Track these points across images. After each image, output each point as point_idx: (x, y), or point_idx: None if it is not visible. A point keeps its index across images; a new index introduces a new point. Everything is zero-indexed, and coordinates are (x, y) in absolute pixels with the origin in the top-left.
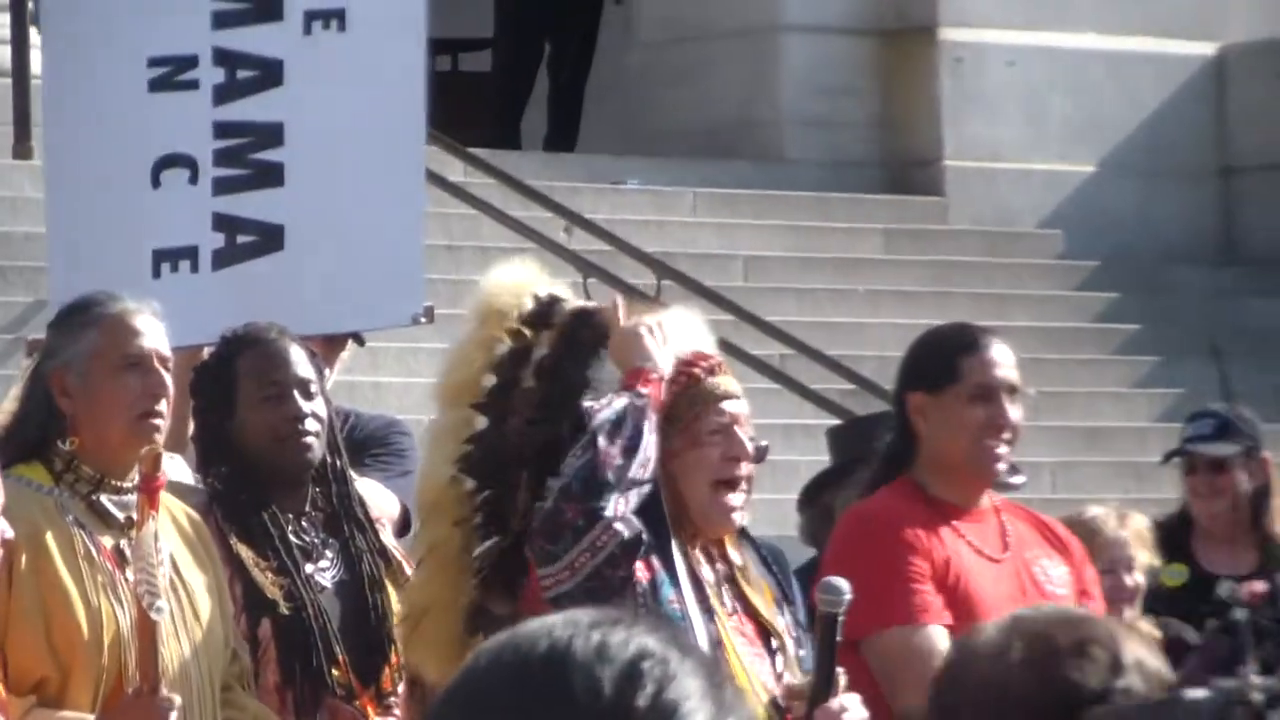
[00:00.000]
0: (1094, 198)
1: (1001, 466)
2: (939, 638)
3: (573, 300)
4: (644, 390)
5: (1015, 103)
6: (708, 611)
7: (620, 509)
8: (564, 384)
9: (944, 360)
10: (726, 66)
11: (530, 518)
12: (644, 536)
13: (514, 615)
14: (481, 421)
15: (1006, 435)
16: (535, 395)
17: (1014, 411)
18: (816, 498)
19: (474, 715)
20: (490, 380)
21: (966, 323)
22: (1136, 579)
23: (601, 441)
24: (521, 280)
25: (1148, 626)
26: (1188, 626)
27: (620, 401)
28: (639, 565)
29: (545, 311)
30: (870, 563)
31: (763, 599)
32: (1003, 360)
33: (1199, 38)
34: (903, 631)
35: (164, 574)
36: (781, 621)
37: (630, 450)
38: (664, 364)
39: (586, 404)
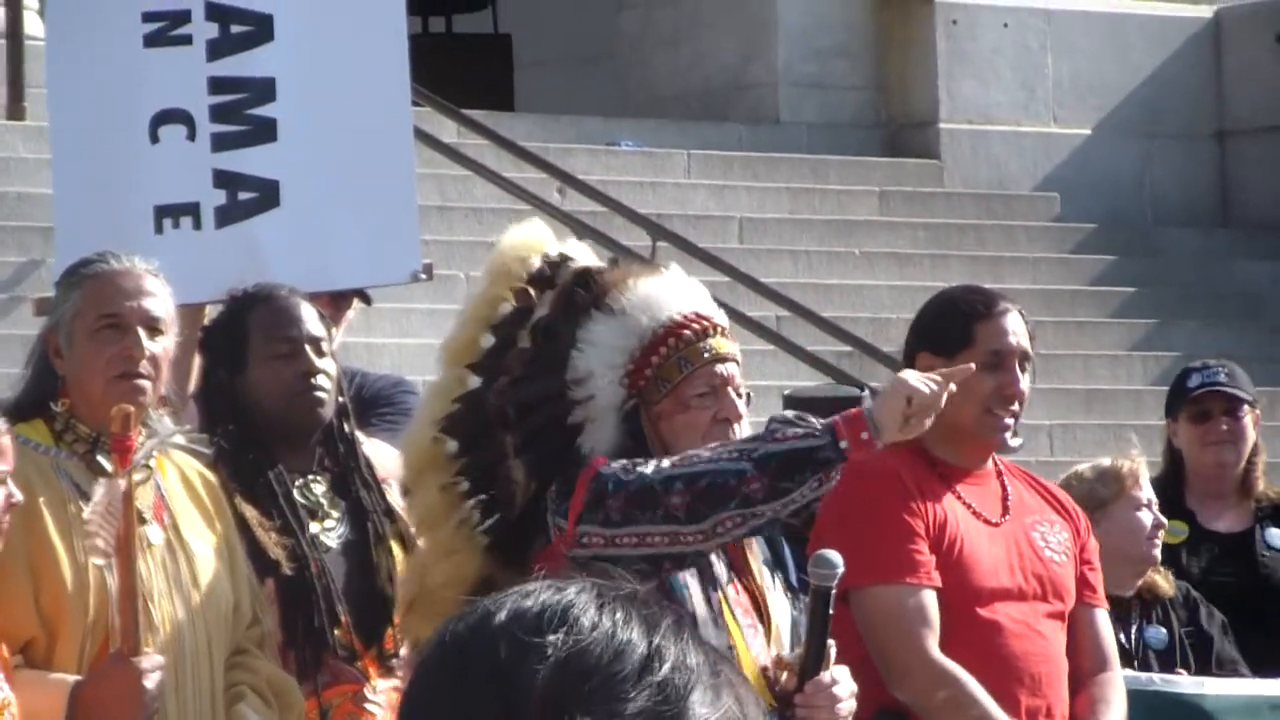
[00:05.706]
0: (1089, 160)
1: (1007, 436)
2: (928, 600)
3: (583, 261)
4: (843, 447)
5: (1011, 65)
6: (710, 583)
7: (719, 530)
8: (555, 343)
9: (958, 325)
10: (721, 27)
11: (534, 495)
12: (704, 578)
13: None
14: (475, 382)
15: (1015, 406)
16: (528, 355)
17: (1024, 380)
18: None
19: (415, 689)
20: (489, 340)
21: (982, 286)
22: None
23: (752, 468)
24: (533, 240)
25: (1166, 577)
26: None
27: (807, 445)
28: None
29: (552, 272)
30: (866, 517)
31: (757, 565)
32: (1016, 328)
33: (1195, 0)
34: (892, 590)
35: (115, 529)
36: (773, 593)
37: (775, 495)
38: (889, 434)
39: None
